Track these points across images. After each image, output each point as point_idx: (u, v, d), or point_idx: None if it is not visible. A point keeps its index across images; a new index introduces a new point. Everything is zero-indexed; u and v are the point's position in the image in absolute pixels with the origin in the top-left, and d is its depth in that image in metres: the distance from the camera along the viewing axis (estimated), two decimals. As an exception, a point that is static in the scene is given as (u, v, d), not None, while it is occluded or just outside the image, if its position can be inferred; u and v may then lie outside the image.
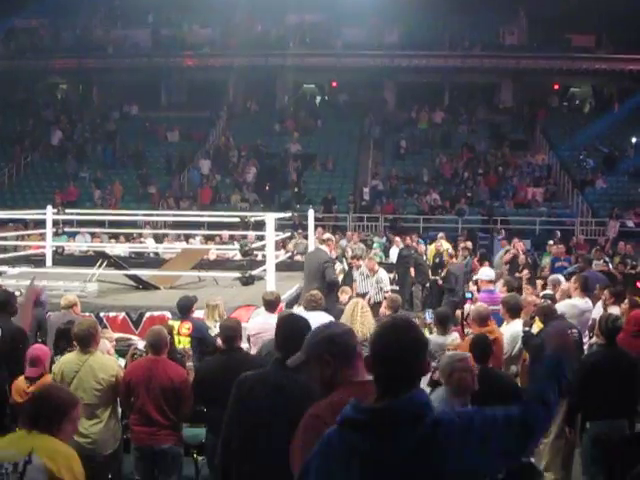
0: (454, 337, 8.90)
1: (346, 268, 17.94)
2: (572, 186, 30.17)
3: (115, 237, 20.36)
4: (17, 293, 9.28)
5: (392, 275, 18.19)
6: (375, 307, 12.17)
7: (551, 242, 20.44)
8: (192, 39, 38.51)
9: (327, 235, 13.87)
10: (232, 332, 6.70)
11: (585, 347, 8.89)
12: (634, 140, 33.03)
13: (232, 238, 18.95)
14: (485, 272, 10.90)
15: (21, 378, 6.77)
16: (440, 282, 17.51)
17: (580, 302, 9.63)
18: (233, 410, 4.68)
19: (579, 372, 6.96)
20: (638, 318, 8.50)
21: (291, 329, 4.72)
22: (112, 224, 21.30)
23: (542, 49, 36.41)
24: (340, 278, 14.60)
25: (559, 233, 23.89)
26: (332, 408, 3.26)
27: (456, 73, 37.54)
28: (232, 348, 6.65)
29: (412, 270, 18.27)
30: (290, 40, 37.80)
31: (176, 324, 8.84)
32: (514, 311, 8.56)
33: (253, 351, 8.02)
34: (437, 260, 18.62)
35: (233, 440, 4.67)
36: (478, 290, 11.30)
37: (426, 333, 9.26)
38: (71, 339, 6.84)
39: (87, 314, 10.07)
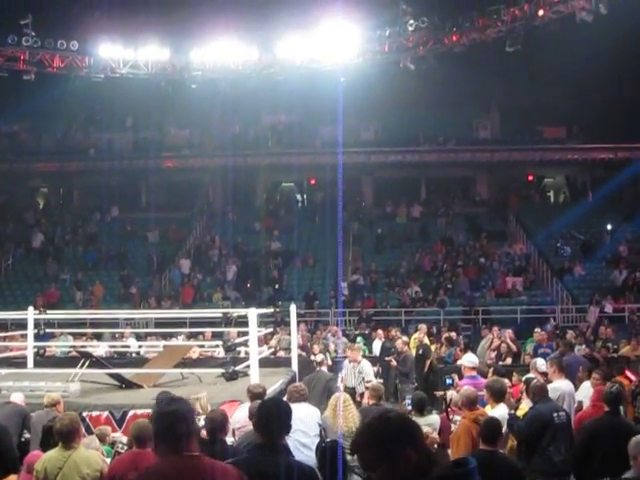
0: (434, 419, 8.97)
1: (329, 363, 17.93)
2: (551, 274, 30.46)
3: (97, 337, 20.23)
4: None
5: (376, 368, 18.15)
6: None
7: (537, 330, 20.51)
8: (171, 141, 39.16)
9: (320, 357, 14.05)
10: (217, 424, 6.73)
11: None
12: (609, 227, 33.56)
13: (214, 336, 18.94)
14: (468, 358, 10.94)
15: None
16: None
17: (561, 384, 9.69)
18: None
19: (580, 437, 7.61)
20: (599, 390, 8.79)
21: (271, 412, 4.73)
22: (94, 324, 21.24)
23: (515, 141, 37.33)
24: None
25: (552, 321, 24.11)
26: None
27: (432, 167, 38.25)
28: (215, 440, 6.66)
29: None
30: (267, 140, 38.49)
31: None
32: (498, 395, 8.58)
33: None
34: (420, 351, 18.57)
35: None
36: (460, 377, 11.30)
37: None
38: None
39: (70, 412, 10.01)
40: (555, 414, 8.16)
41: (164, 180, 39.38)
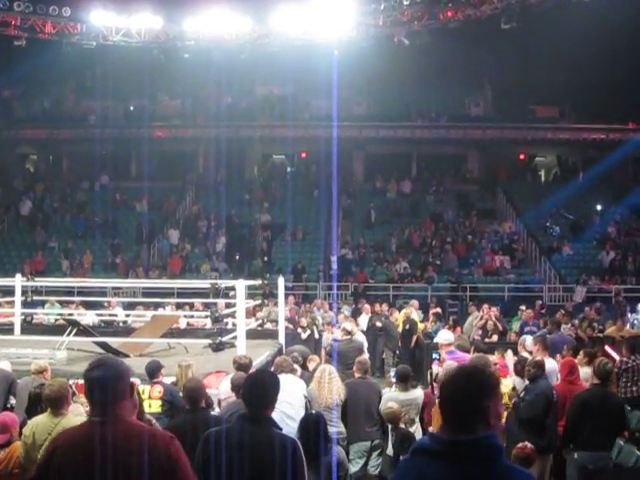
0: (418, 394, 9.01)
1: (317, 336, 18.01)
2: (539, 253, 30.55)
3: (85, 305, 20.21)
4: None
5: (362, 342, 18.21)
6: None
7: (523, 307, 20.61)
8: (162, 110, 38.97)
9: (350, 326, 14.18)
10: (194, 393, 6.77)
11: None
12: (599, 207, 33.66)
13: (202, 306, 18.97)
14: (443, 336, 10.99)
15: None
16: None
17: (547, 363, 9.76)
18: (199, 469, 4.64)
19: (573, 407, 7.91)
20: (568, 365, 9.16)
21: (259, 385, 4.76)
22: (81, 293, 21.21)
23: (507, 120, 37.27)
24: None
25: (540, 301, 24.22)
26: None
27: (423, 144, 38.23)
28: (196, 408, 6.71)
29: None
30: (259, 112, 38.34)
31: (147, 388, 8.80)
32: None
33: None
34: (407, 327, 18.66)
35: None
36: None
37: (389, 390, 9.35)
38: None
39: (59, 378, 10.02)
40: (553, 392, 8.27)
41: (155, 150, 39.09)
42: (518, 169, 39.32)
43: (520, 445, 6.80)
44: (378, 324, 19.34)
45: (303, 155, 40.88)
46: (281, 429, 4.77)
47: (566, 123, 37.10)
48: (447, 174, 38.45)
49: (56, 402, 6.36)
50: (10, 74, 34.28)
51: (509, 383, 9.01)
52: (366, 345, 15.67)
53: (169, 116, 38.79)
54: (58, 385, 6.52)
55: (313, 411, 8.77)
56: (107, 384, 3.70)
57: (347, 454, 8.68)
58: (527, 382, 8.59)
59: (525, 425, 8.22)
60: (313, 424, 6.51)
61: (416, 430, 8.70)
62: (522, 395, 8.42)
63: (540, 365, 8.58)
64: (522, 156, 40.33)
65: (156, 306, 19.90)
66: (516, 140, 37.67)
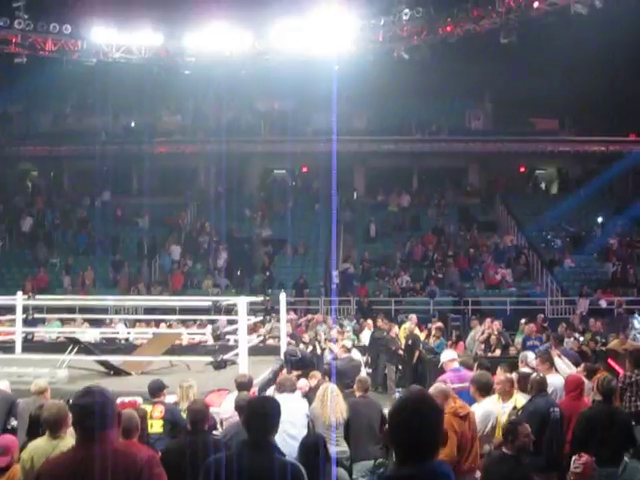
0: None
1: (319, 352, 17.95)
2: (541, 266, 30.51)
3: (88, 323, 20.16)
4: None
5: (365, 358, 18.19)
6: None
7: (523, 321, 20.51)
8: (163, 126, 39.04)
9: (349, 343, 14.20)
10: (198, 415, 6.73)
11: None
12: (600, 219, 33.63)
13: (203, 324, 18.93)
14: (446, 354, 11.01)
15: None
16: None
17: (553, 379, 9.73)
18: None
19: (578, 424, 7.88)
20: (574, 383, 9.06)
21: (259, 411, 4.74)
22: (83, 310, 21.14)
23: (507, 133, 37.28)
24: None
25: (542, 315, 24.05)
26: None
27: (424, 157, 38.28)
28: (197, 430, 6.68)
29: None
30: (260, 127, 38.41)
31: (148, 408, 8.76)
32: (484, 390, 8.58)
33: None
34: (409, 342, 18.59)
35: None
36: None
37: None
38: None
39: (58, 401, 9.97)
40: (551, 409, 8.19)
41: (156, 165, 39.17)
42: (519, 182, 39.33)
43: None
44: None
45: (304, 169, 40.93)
46: (284, 455, 4.75)
47: (566, 135, 37.19)
48: (448, 187, 38.47)
49: (54, 425, 6.35)
50: (11, 91, 34.32)
51: (522, 399, 8.91)
52: (363, 361, 15.62)
53: (170, 132, 38.87)
54: (57, 408, 6.50)
55: (316, 430, 8.76)
56: (93, 411, 3.74)
57: (350, 474, 8.64)
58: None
59: None
60: (313, 445, 6.48)
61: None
62: (519, 414, 8.37)
63: (539, 382, 8.52)
64: (522, 169, 40.35)
65: (157, 323, 19.91)
66: (516, 153, 37.68)
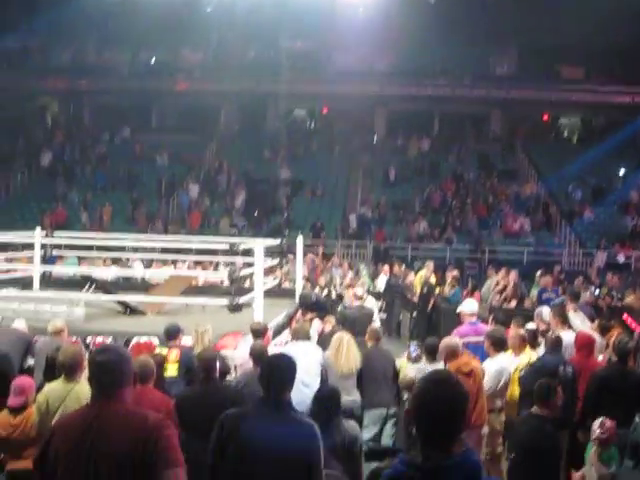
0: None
1: (334, 296, 17.97)
2: (560, 217, 30.31)
3: (103, 260, 20.22)
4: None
5: (380, 303, 18.19)
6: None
7: (539, 273, 20.41)
8: (184, 63, 38.73)
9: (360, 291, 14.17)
10: (209, 363, 6.76)
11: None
12: (622, 172, 33.28)
13: (220, 265, 18.98)
14: (467, 305, 10.86)
15: (4, 411, 6.69)
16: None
17: (565, 335, 9.69)
18: (216, 451, 4.68)
19: (590, 385, 7.85)
20: (583, 340, 8.99)
21: (275, 369, 4.76)
22: (100, 247, 21.16)
23: (531, 80, 36.74)
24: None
25: (559, 267, 23.91)
26: None
27: (446, 102, 37.82)
28: (209, 378, 6.74)
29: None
30: (282, 66, 38.02)
31: (164, 351, 8.81)
32: (499, 345, 8.56)
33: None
34: (424, 289, 18.57)
35: None
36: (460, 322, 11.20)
37: (409, 365, 9.29)
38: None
39: (74, 339, 10.05)
40: (561, 367, 8.15)
41: (176, 103, 39.06)
42: (541, 130, 38.94)
43: None
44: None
45: (325, 111, 40.66)
46: (299, 412, 4.77)
47: (591, 85, 36.58)
48: (469, 134, 38.14)
49: (70, 369, 6.37)
50: (31, 24, 34.11)
51: (524, 359, 8.88)
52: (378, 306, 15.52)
53: (191, 69, 38.54)
54: (72, 352, 6.52)
55: (330, 378, 8.79)
56: (110, 369, 3.76)
57: (362, 422, 8.70)
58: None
59: (524, 401, 8.18)
60: (327, 399, 6.50)
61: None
62: (526, 370, 8.35)
63: (552, 341, 8.47)
64: (545, 117, 39.88)
65: (174, 262, 19.95)
66: (540, 101, 37.21)
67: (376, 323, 14.08)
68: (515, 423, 7.09)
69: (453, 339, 8.34)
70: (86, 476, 3.59)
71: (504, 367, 8.38)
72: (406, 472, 2.88)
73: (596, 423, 7.00)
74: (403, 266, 22.13)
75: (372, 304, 15.25)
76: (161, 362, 7.93)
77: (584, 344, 8.96)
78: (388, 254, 27.00)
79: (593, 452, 7.02)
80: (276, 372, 4.72)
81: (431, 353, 8.90)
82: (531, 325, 10.07)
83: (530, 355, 8.83)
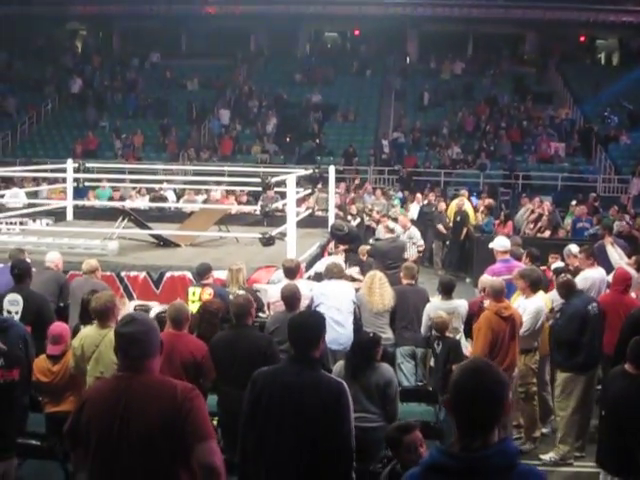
0: (460, 303, 8.86)
1: (367, 224, 17.95)
2: (595, 142, 29.76)
3: (138, 190, 20.26)
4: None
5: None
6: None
7: (574, 202, 20.19)
8: (213, -14, 38.14)
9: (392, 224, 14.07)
10: (241, 309, 6.77)
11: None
12: (660, 96, 32.52)
13: (251, 194, 19.04)
14: (500, 242, 10.69)
15: (43, 357, 6.78)
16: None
17: (592, 273, 9.59)
18: (248, 410, 4.71)
19: (626, 325, 7.74)
20: (621, 277, 8.98)
21: (302, 327, 4.76)
22: (132, 174, 21.18)
23: (568, 0, 35.73)
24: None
25: (594, 194, 23.42)
26: None
27: (480, 23, 37.02)
28: (240, 324, 6.77)
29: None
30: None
31: (197, 290, 8.84)
32: (535, 285, 8.45)
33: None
34: (458, 218, 18.48)
35: (248, 440, 4.69)
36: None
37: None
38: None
39: (109, 273, 10.12)
40: (590, 306, 8.07)
41: (205, 26, 38.49)
42: (577, 52, 37.97)
43: None
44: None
45: (356, 33, 40.01)
46: (329, 370, 4.78)
47: (631, 5, 35.53)
48: (503, 56, 37.32)
49: (102, 315, 6.43)
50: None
51: (548, 300, 8.79)
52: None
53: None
54: (104, 299, 6.54)
55: (363, 316, 8.80)
56: (137, 339, 3.75)
57: (394, 359, 8.74)
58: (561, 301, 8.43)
59: (562, 347, 8.12)
60: (366, 346, 6.52)
61: (460, 339, 8.61)
62: (557, 317, 8.26)
63: (567, 284, 8.27)
64: (582, 38, 38.90)
65: (206, 190, 19.97)
66: (577, 21, 36.25)
67: (412, 253, 14.10)
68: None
69: (499, 280, 8.19)
70: (118, 448, 3.62)
71: (542, 307, 8.31)
72: (445, 461, 2.84)
73: None
74: (436, 194, 21.97)
75: (415, 234, 15.08)
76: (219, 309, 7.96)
77: (620, 280, 8.90)
78: (414, 180, 26.78)
79: None
80: (302, 331, 4.72)
81: (447, 292, 8.84)
82: (558, 264, 9.98)
83: (552, 298, 8.76)
